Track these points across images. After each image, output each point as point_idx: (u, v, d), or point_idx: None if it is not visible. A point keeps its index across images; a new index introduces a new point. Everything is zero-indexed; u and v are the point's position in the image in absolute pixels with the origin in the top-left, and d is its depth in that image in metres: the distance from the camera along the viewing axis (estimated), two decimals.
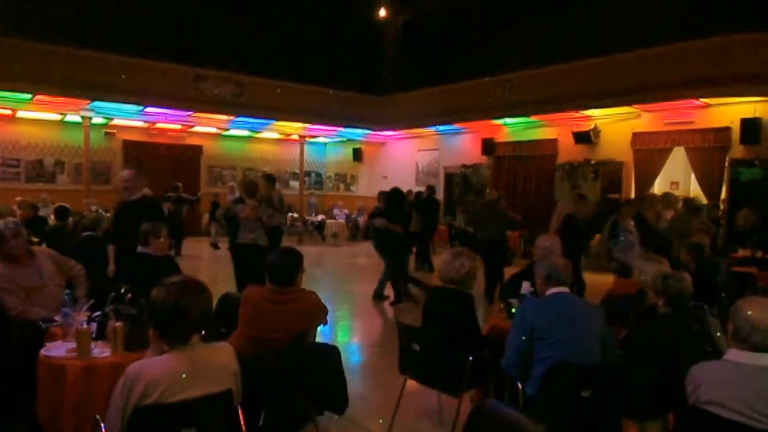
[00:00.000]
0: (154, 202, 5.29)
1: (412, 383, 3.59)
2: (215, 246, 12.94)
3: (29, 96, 11.57)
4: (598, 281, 7.27)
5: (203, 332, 2.22)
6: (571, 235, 6.79)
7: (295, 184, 17.61)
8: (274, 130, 16.27)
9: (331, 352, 3.00)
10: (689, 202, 8.56)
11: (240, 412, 2.26)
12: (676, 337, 2.86)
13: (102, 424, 2.12)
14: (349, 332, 6.54)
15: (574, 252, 6.53)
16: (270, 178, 7.78)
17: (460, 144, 15.59)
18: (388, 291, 8.06)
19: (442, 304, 3.49)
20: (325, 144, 19.08)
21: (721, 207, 10.02)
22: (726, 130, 10.17)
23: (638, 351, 2.92)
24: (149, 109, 13.13)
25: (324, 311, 3.13)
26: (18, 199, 10.90)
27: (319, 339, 3.43)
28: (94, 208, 9.23)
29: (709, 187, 10.34)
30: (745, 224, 8.47)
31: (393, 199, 8.12)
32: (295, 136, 16.51)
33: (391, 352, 5.66)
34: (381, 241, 7.97)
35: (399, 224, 7.76)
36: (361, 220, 16.43)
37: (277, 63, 14.99)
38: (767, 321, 2.00)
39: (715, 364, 2.14)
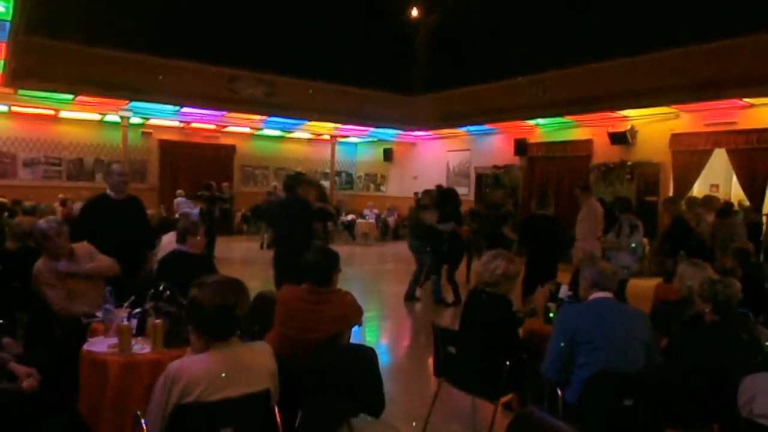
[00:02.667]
0: (141, 202, 5.03)
1: (444, 387, 3.54)
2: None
3: (71, 96, 11.92)
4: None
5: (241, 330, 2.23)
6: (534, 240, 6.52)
7: (326, 183, 17.68)
8: (306, 130, 16.39)
9: (368, 354, 2.98)
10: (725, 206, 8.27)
11: (277, 412, 2.26)
12: (724, 345, 2.76)
13: (143, 420, 2.14)
14: (378, 333, 6.52)
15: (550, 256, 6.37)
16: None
17: (492, 144, 15.42)
18: (419, 292, 8.03)
19: (478, 307, 3.44)
20: (356, 144, 19.14)
21: (765, 211, 9.66)
22: None
23: (684, 359, 2.82)
24: (184, 110, 13.39)
25: (360, 312, 3.12)
26: (60, 196, 11.25)
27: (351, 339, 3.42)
28: None
29: (752, 189, 9.98)
30: None
31: (444, 198, 8.00)
32: (327, 136, 16.62)
33: (422, 354, 5.66)
34: (429, 239, 7.74)
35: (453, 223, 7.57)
36: (391, 219, 16.42)
37: (309, 63, 15.09)
38: None
39: None
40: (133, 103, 12.59)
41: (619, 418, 2.61)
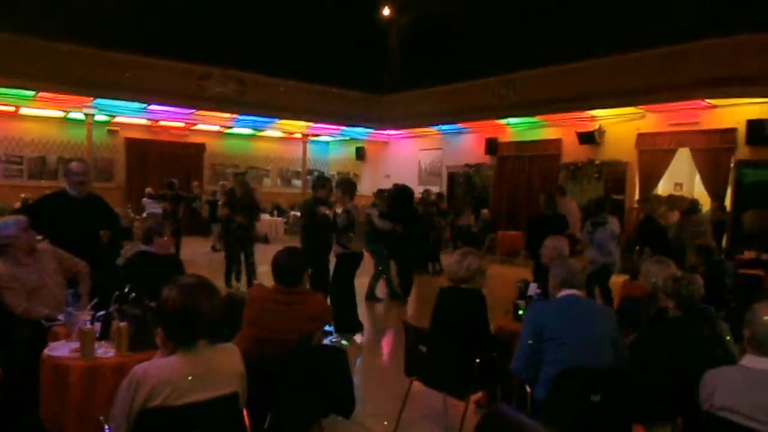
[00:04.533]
0: (104, 202, 4.83)
1: (416, 385, 3.55)
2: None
3: (32, 93, 11.57)
4: None
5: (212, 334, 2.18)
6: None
7: (298, 182, 17.59)
8: (277, 129, 16.25)
9: (339, 354, 2.97)
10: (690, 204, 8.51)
11: (245, 414, 2.22)
12: (687, 340, 2.82)
13: (106, 426, 2.09)
14: (351, 332, 6.48)
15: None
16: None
17: (463, 143, 15.54)
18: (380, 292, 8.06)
19: (453, 302, 3.46)
20: (327, 143, 19.06)
21: (728, 208, 9.96)
22: (732, 132, 10.12)
23: (649, 354, 2.88)
24: (152, 107, 13.13)
25: (329, 312, 3.10)
26: (22, 196, 10.92)
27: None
28: None
29: (714, 188, 10.28)
30: (752, 225, 8.43)
31: (397, 197, 8.03)
32: (298, 135, 16.50)
33: (394, 353, 5.66)
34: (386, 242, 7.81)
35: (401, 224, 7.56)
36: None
37: (280, 61, 14.96)
38: None
39: (730, 369, 2.11)
40: (98, 100, 12.28)
41: (587, 414, 2.65)
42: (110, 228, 4.59)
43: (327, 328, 5.61)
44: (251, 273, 7.95)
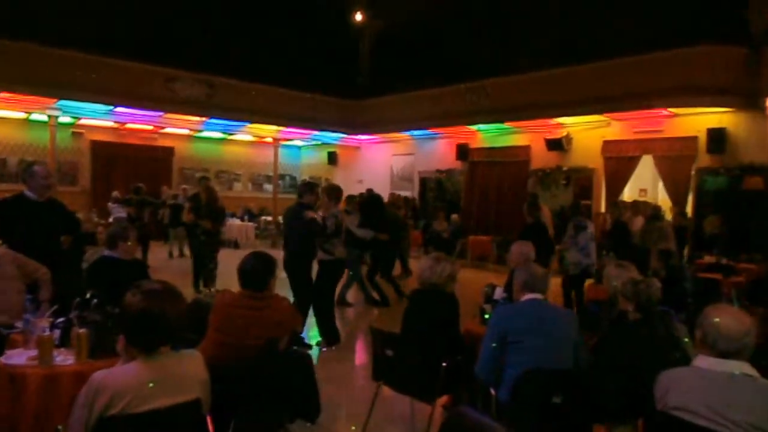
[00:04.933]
0: (64, 206, 4.77)
1: (384, 390, 3.56)
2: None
3: None
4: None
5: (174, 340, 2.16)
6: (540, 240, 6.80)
7: (269, 187, 17.46)
8: (248, 133, 16.10)
9: (304, 360, 2.96)
10: (653, 210, 8.77)
11: (209, 421, 2.20)
12: (645, 342, 2.91)
13: None
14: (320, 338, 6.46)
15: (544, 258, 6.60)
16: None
17: (435, 149, 15.66)
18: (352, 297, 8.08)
19: (426, 303, 3.50)
20: (299, 147, 18.97)
21: (689, 214, 10.26)
22: (693, 140, 10.44)
23: (609, 356, 2.96)
24: (119, 109, 12.85)
25: (298, 318, 3.09)
26: None
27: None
28: None
29: (676, 194, 10.59)
30: (713, 231, 8.70)
31: (368, 205, 8.06)
32: (269, 139, 16.38)
33: (362, 358, 5.67)
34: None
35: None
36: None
37: (251, 65, 14.86)
38: (734, 328, 2.04)
39: (682, 370, 2.17)
40: (62, 102, 11.98)
41: (549, 415, 2.70)
42: (71, 233, 4.49)
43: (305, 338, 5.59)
44: (211, 279, 7.83)
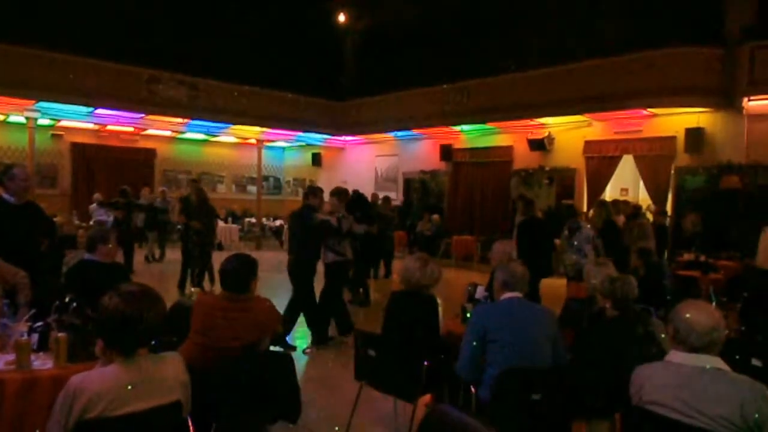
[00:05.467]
0: (41, 209, 4.73)
1: (367, 389, 3.58)
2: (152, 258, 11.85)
3: None
4: (553, 284, 7.48)
5: (153, 342, 2.16)
6: (534, 238, 6.89)
7: (252, 188, 17.38)
8: (231, 134, 16.01)
9: (284, 360, 2.96)
10: (634, 209, 8.91)
11: (190, 423, 2.20)
12: (622, 338, 2.96)
13: None
14: (307, 339, 6.46)
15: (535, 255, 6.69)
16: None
17: (419, 150, 15.72)
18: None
19: (406, 306, 3.53)
20: (283, 148, 18.91)
21: (668, 213, 10.41)
22: (671, 139, 10.61)
23: (587, 353, 3.01)
24: (99, 111, 12.71)
25: (278, 319, 3.09)
26: None
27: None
28: None
29: (656, 193, 10.76)
30: (693, 229, 8.84)
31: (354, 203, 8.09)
32: (253, 141, 16.31)
33: (346, 359, 5.67)
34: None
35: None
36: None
37: (234, 66, 14.76)
38: (704, 323, 2.09)
39: (656, 365, 2.22)
40: (41, 103, 11.81)
41: (529, 412, 2.74)
42: (46, 236, 4.45)
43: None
44: (211, 278, 8.28)
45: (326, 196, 6.26)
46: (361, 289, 8.11)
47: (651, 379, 2.12)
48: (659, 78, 10.02)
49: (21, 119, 12.44)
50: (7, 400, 2.57)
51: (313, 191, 6.09)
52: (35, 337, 2.90)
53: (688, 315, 2.10)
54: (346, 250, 5.93)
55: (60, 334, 2.77)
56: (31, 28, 12.34)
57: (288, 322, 5.73)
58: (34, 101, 11.67)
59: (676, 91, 9.94)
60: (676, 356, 2.14)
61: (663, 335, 3.30)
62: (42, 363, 2.75)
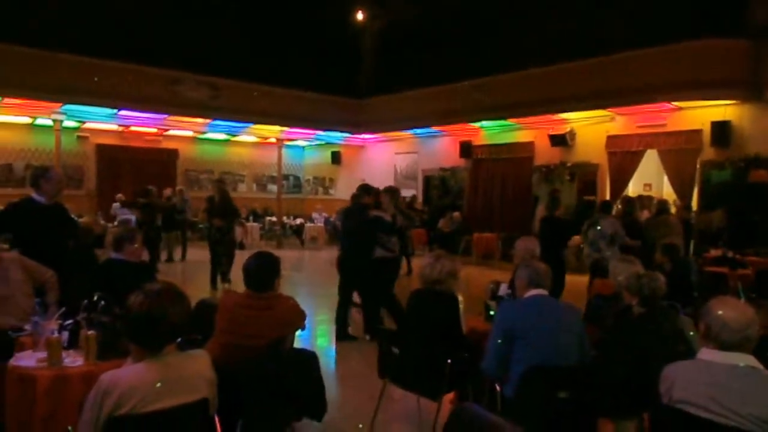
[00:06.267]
0: (66, 209, 4.89)
1: (390, 387, 3.58)
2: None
3: None
4: (575, 281, 7.42)
5: (179, 339, 2.18)
6: (553, 237, 6.90)
7: (273, 187, 17.50)
8: (252, 134, 16.15)
9: (310, 358, 2.97)
10: (659, 204, 8.77)
11: (216, 420, 2.22)
12: (649, 336, 2.91)
13: None
14: (328, 337, 6.49)
15: (557, 252, 6.69)
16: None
17: (438, 147, 15.66)
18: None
19: (426, 304, 3.52)
20: (303, 147, 19.00)
21: (694, 208, 10.23)
22: (697, 133, 10.39)
23: (614, 350, 2.96)
24: (123, 113, 12.92)
25: (302, 316, 3.10)
26: None
27: (297, 344, 3.40)
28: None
29: (681, 188, 10.55)
30: (718, 224, 8.67)
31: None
32: (273, 140, 16.42)
33: (369, 357, 5.68)
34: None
35: None
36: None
37: (254, 66, 14.87)
38: (736, 320, 2.04)
39: (686, 363, 2.18)
40: (67, 106, 12.05)
41: (554, 410, 2.71)
42: (72, 236, 4.55)
43: None
44: (225, 274, 8.53)
45: (344, 194, 6.37)
46: None
47: (682, 378, 2.08)
48: (685, 71, 9.81)
49: (48, 122, 12.70)
50: (40, 396, 2.63)
51: (366, 189, 6.26)
52: (65, 334, 2.97)
53: (720, 312, 2.06)
54: (395, 246, 6.03)
55: (89, 332, 2.82)
56: (56, 32, 12.56)
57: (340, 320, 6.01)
58: (60, 104, 11.91)
59: (702, 83, 9.73)
60: (707, 354, 2.10)
61: (691, 333, 3.24)
62: (72, 360, 2.81)
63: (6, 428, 2.72)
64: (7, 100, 11.39)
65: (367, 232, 5.89)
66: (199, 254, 12.46)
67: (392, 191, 6.47)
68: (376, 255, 5.97)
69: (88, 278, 4.38)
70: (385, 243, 5.95)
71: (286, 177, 18.01)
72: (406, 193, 14.82)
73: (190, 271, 10.66)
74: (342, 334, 6.18)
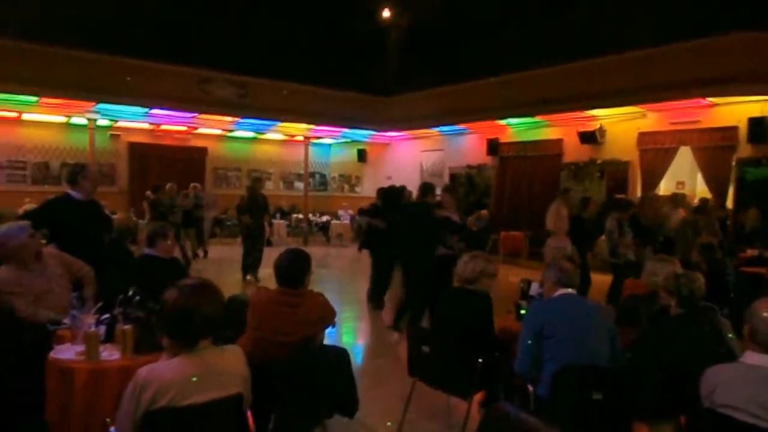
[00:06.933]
0: (102, 206, 5.08)
1: (419, 386, 3.57)
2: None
3: (35, 99, 11.61)
4: (598, 280, 7.33)
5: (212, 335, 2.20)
6: (579, 235, 6.85)
7: (299, 185, 17.62)
8: (279, 132, 16.28)
9: (341, 355, 2.98)
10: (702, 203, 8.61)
11: (249, 416, 2.24)
12: (688, 338, 2.83)
13: (112, 428, 2.11)
14: (354, 334, 6.52)
15: (583, 252, 6.64)
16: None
17: (465, 144, 15.55)
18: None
19: (458, 303, 3.51)
20: (329, 145, 19.08)
21: (729, 207, 9.95)
22: (733, 130, 10.10)
23: (650, 352, 2.90)
24: (154, 111, 13.16)
25: (332, 313, 3.11)
26: (27, 200, 10.96)
27: (324, 341, 3.42)
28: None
29: (716, 186, 10.27)
30: (754, 224, 8.43)
31: (389, 197, 8.09)
32: (300, 137, 16.53)
33: (398, 354, 5.68)
34: (369, 242, 7.93)
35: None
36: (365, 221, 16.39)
37: (282, 64, 14.99)
38: None
39: (730, 366, 2.12)
40: (101, 105, 12.32)
41: (588, 411, 2.66)
42: (106, 231, 4.67)
43: None
44: (253, 268, 9.04)
45: (370, 191, 6.39)
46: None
47: (725, 381, 2.03)
48: (720, 65, 9.52)
49: (82, 121, 13.01)
50: (78, 388, 2.69)
51: (430, 189, 6.29)
52: (102, 328, 3.03)
53: (766, 314, 1.99)
54: (456, 245, 6.08)
55: (126, 327, 2.88)
56: (91, 34, 12.87)
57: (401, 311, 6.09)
58: (94, 103, 12.18)
59: (738, 78, 9.42)
60: (752, 357, 2.03)
61: (730, 335, 3.15)
62: (109, 354, 2.86)
63: (48, 419, 2.79)
64: (44, 100, 11.70)
65: (435, 232, 5.92)
66: (220, 252, 12.69)
67: (453, 190, 6.61)
68: (438, 253, 6.02)
69: (122, 274, 4.48)
70: (447, 241, 6.04)
71: (312, 174, 18.11)
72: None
73: (209, 268, 10.73)
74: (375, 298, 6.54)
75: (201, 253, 12.12)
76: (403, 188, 8.74)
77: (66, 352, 2.90)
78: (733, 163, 10.15)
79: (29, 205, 8.59)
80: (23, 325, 3.54)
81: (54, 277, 3.76)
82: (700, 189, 10.88)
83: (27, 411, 2.86)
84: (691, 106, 10.60)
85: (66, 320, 3.35)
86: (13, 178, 13.57)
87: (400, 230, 6.28)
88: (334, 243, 15.56)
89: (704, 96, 10.09)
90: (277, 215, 15.81)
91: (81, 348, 2.86)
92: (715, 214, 8.94)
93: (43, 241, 4.16)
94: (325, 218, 16.47)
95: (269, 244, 13.30)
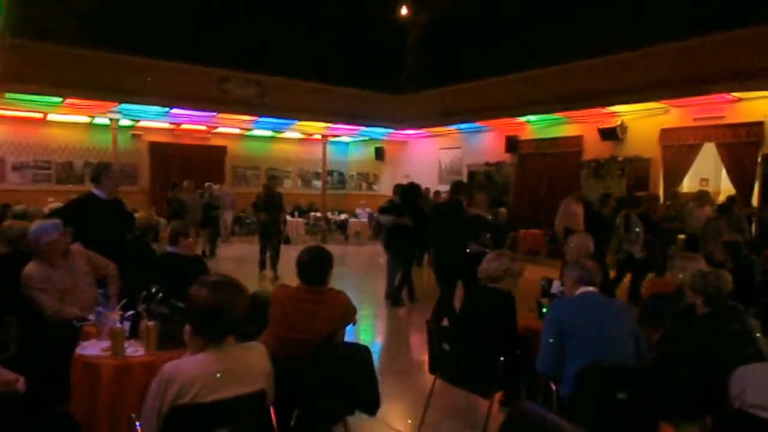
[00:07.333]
0: (125, 204, 5.14)
1: (440, 384, 3.55)
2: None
3: (60, 99, 11.82)
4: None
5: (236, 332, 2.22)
6: (598, 232, 6.77)
7: (317, 183, 17.69)
8: (297, 130, 16.36)
9: (363, 353, 2.98)
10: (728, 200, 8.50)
11: (272, 412, 2.26)
12: (715, 337, 2.78)
13: (137, 423, 2.13)
14: (373, 332, 6.53)
15: (601, 249, 6.58)
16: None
17: (483, 142, 15.46)
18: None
19: (481, 301, 3.49)
20: (347, 143, 19.12)
21: (755, 204, 9.74)
22: (758, 125, 9.88)
23: (676, 351, 2.85)
24: (174, 111, 13.31)
25: (353, 311, 3.12)
26: (51, 200, 11.17)
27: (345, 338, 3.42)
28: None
29: (741, 183, 10.07)
30: None
31: (408, 195, 8.08)
32: (318, 136, 16.58)
33: (416, 352, 5.67)
34: (390, 240, 7.93)
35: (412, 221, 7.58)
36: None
37: (299, 63, 15.06)
38: None
39: (761, 366, 2.08)
40: (123, 105, 12.51)
41: (613, 411, 2.63)
42: (129, 229, 4.74)
43: None
44: (272, 265, 9.37)
45: (387, 189, 6.41)
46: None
47: (756, 381, 1.98)
48: (745, 60, 9.32)
49: (105, 121, 13.21)
50: (104, 384, 2.74)
51: (462, 187, 6.36)
52: (127, 325, 3.07)
53: None
54: (488, 242, 6.09)
55: (150, 323, 2.91)
56: (112, 35, 13.07)
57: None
58: (116, 103, 12.36)
59: (763, 73, 9.23)
60: None
61: (758, 334, 3.08)
62: (134, 350, 2.91)
63: (74, 413, 2.84)
64: (68, 101, 11.91)
65: (468, 230, 5.91)
66: (239, 249, 12.79)
67: (486, 188, 6.63)
68: (470, 250, 5.99)
69: (145, 271, 4.54)
70: (482, 238, 6.06)
71: (330, 173, 18.16)
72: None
73: (228, 266, 10.78)
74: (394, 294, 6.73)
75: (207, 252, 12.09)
76: (419, 186, 8.72)
77: (91, 348, 2.95)
78: (759, 160, 9.93)
79: (54, 204, 8.80)
80: (49, 321, 3.61)
81: (80, 274, 3.83)
82: (724, 186, 10.67)
83: (54, 405, 2.91)
84: (715, 102, 10.40)
85: (91, 317, 3.40)
86: (38, 178, 13.85)
87: (434, 229, 6.31)
88: (352, 241, 15.59)
89: (729, 91, 9.89)
90: (295, 213, 15.89)
91: (106, 344, 2.91)
92: (743, 211, 8.77)
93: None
94: (343, 216, 16.51)
95: (287, 241, 13.40)
